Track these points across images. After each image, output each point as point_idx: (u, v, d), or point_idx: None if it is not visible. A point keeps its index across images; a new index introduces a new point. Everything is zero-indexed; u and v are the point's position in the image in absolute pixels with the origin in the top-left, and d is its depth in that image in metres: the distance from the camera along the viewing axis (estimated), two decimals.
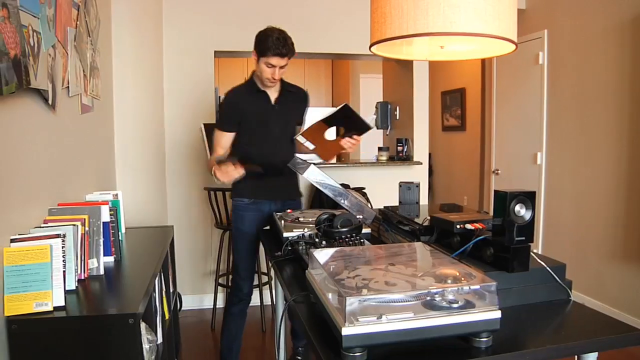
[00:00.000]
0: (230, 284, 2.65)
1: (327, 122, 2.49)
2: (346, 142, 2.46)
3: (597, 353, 1.17)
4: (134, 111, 3.16)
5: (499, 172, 4.89)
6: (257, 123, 2.51)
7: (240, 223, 2.51)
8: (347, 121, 2.49)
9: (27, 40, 1.54)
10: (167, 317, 2.23)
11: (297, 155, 2.54)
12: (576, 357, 1.21)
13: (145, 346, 1.52)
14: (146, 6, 3.33)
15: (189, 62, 3.78)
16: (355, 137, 2.45)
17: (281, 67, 2.41)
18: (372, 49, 1.75)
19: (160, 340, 1.92)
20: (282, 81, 2.59)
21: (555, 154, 4.10)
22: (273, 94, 2.55)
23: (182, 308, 3.71)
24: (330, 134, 2.55)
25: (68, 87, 2.04)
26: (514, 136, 4.67)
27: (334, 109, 2.53)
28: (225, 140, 2.53)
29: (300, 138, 2.52)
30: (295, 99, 2.63)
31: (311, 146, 2.55)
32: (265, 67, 2.39)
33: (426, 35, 1.49)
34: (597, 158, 3.65)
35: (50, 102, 1.80)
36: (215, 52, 3.85)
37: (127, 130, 3.12)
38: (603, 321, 1.26)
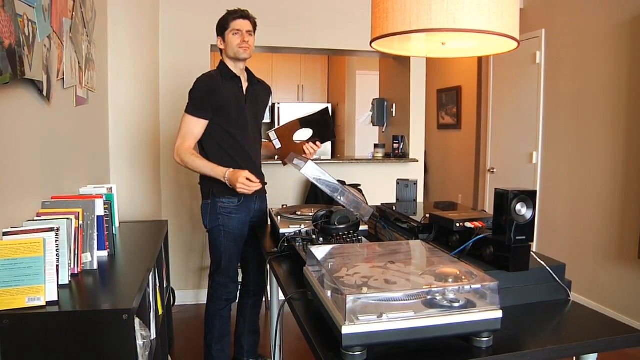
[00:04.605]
0: (214, 288, 2.53)
1: (302, 122, 2.49)
2: (309, 147, 2.44)
3: (597, 354, 1.17)
4: (129, 104, 3.13)
5: (494, 170, 4.89)
6: (235, 112, 2.36)
7: (230, 224, 2.37)
8: (318, 126, 2.50)
9: (22, 30, 1.51)
10: (160, 312, 2.21)
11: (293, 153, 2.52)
12: (574, 358, 1.20)
13: (139, 342, 1.50)
14: None
15: (186, 56, 3.74)
16: (318, 143, 2.46)
17: (248, 32, 2.36)
18: (372, 44, 1.74)
19: (154, 336, 1.90)
20: (249, 72, 2.50)
21: (551, 153, 4.10)
22: (243, 83, 2.45)
23: (176, 303, 3.70)
24: (300, 135, 2.53)
25: (63, 78, 2.01)
26: (509, 135, 4.67)
27: (313, 110, 2.53)
28: (199, 129, 2.33)
29: (272, 134, 2.46)
30: (262, 91, 2.54)
31: (278, 145, 2.52)
32: (233, 36, 2.34)
33: (429, 31, 1.47)
34: (593, 158, 3.66)
35: (45, 93, 1.77)
36: (212, 46, 3.81)
37: (122, 123, 3.08)
38: (603, 322, 1.25)
